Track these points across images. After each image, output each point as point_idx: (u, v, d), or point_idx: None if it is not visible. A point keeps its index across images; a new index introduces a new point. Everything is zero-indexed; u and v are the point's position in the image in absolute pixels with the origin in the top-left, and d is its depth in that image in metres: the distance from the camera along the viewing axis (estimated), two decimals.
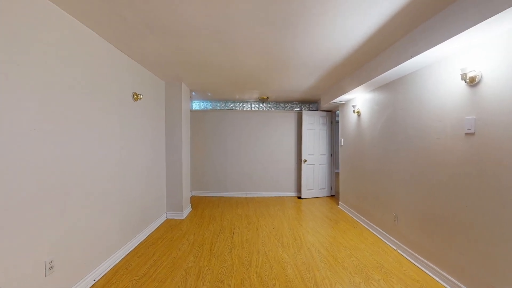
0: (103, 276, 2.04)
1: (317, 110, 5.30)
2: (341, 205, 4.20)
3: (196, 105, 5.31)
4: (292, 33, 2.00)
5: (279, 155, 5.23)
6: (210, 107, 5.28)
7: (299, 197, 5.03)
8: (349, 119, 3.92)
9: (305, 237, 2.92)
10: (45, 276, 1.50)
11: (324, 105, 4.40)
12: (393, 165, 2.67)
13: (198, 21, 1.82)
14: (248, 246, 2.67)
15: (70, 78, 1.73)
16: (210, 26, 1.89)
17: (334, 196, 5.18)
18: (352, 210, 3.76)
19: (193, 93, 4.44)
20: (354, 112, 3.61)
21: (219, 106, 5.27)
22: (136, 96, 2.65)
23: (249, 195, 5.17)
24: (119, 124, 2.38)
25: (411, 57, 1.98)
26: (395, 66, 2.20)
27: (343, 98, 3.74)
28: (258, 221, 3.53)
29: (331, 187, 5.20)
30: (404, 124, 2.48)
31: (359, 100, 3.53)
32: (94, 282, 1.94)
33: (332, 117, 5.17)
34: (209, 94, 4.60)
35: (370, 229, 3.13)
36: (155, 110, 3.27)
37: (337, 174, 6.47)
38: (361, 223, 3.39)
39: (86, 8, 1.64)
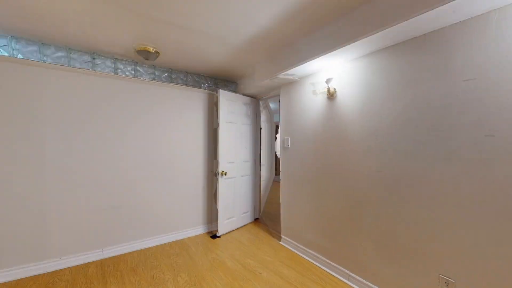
0: None
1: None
2: (286, 241, 2.68)
3: None
4: None
5: (174, 165, 2.92)
6: None
7: (214, 236, 2.99)
8: (307, 106, 2.46)
9: None
10: None
11: (261, 82, 2.68)
12: (436, 185, 1.46)
13: None
14: None
15: None
16: None
17: (257, 219, 3.62)
18: (311, 251, 2.33)
19: None
20: (327, 92, 2.19)
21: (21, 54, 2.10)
22: None
23: (106, 253, 2.45)
24: None
25: None
26: None
27: (298, 70, 2.25)
28: None
29: (254, 207, 3.60)
30: (478, 108, 1.30)
31: (334, 73, 2.14)
32: None
33: (257, 107, 3.58)
34: None
35: None
36: None
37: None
38: (341, 278, 2.02)
39: None
